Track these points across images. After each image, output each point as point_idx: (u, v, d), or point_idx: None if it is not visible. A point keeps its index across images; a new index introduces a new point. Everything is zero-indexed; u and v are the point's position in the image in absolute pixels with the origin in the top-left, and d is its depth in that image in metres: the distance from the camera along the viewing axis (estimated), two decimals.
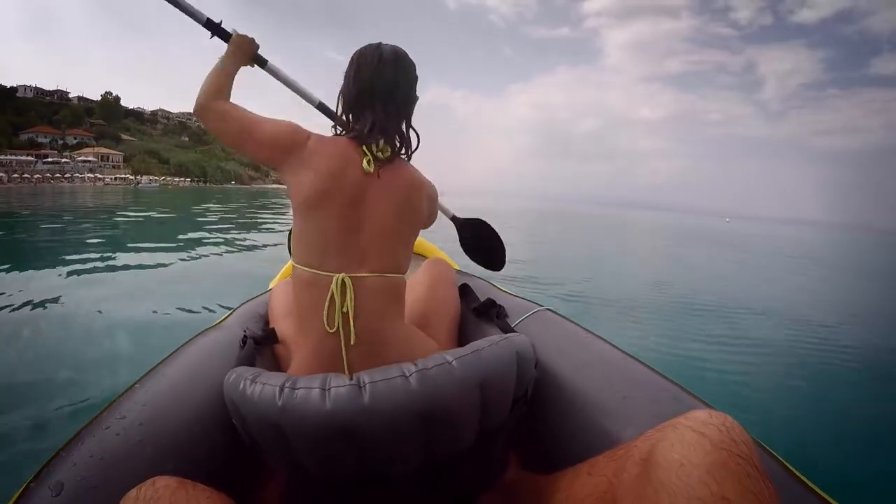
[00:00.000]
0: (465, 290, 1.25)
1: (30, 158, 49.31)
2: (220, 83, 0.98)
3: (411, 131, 0.92)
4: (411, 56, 0.93)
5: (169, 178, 58.79)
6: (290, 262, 1.13)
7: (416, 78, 0.93)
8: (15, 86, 67.39)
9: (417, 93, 0.95)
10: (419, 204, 0.89)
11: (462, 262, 1.69)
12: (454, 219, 1.71)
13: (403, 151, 0.92)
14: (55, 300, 3.04)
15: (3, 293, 3.21)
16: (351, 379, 0.65)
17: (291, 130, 0.88)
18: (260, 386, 0.65)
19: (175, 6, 1.29)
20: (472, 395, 0.67)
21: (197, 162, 68.95)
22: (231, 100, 0.97)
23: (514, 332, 0.98)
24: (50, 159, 50.97)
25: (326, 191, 0.81)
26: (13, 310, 2.87)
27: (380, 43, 0.91)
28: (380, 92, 0.86)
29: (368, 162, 0.83)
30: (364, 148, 0.85)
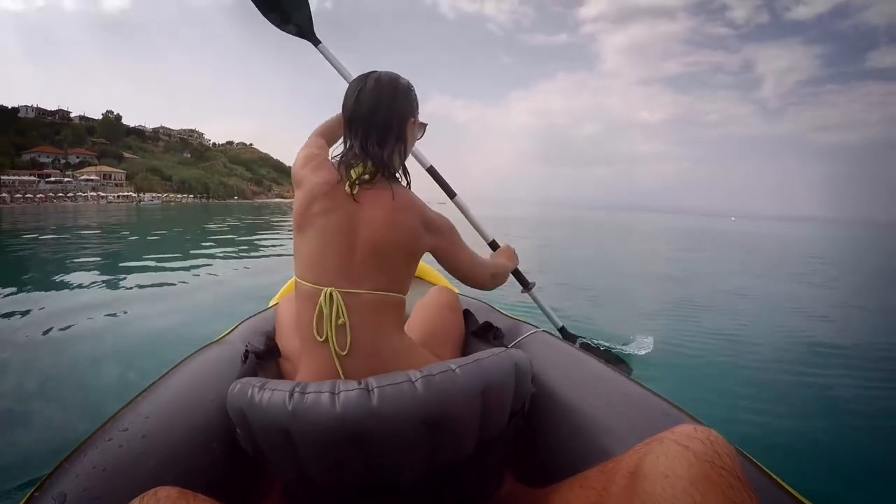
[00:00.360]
0: (467, 315, 1.29)
1: (32, 178, 49.74)
2: (330, 129, 1.15)
3: (396, 156, 0.92)
4: (412, 68, 0.96)
5: (171, 195, 59.15)
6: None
7: (403, 102, 0.93)
8: (17, 106, 68.34)
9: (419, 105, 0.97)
10: (409, 227, 0.87)
11: (464, 288, 1.68)
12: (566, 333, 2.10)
13: (394, 174, 0.93)
14: (58, 317, 3.05)
15: (9, 311, 3.23)
16: (359, 384, 0.66)
17: (306, 155, 0.95)
18: (269, 392, 0.66)
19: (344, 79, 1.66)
20: (474, 402, 0.69)
21: (199, 178, 69.40)
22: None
23: None
24: (52, 179, 51.41)
25: (311, 210, 0.85)
26: (20, 326, 2.88)
27: (370, 72, 0.94)
28: (358, 118, 0.90)
29: (351, 185, 0.85)
30: (351, 172, 0.87)
